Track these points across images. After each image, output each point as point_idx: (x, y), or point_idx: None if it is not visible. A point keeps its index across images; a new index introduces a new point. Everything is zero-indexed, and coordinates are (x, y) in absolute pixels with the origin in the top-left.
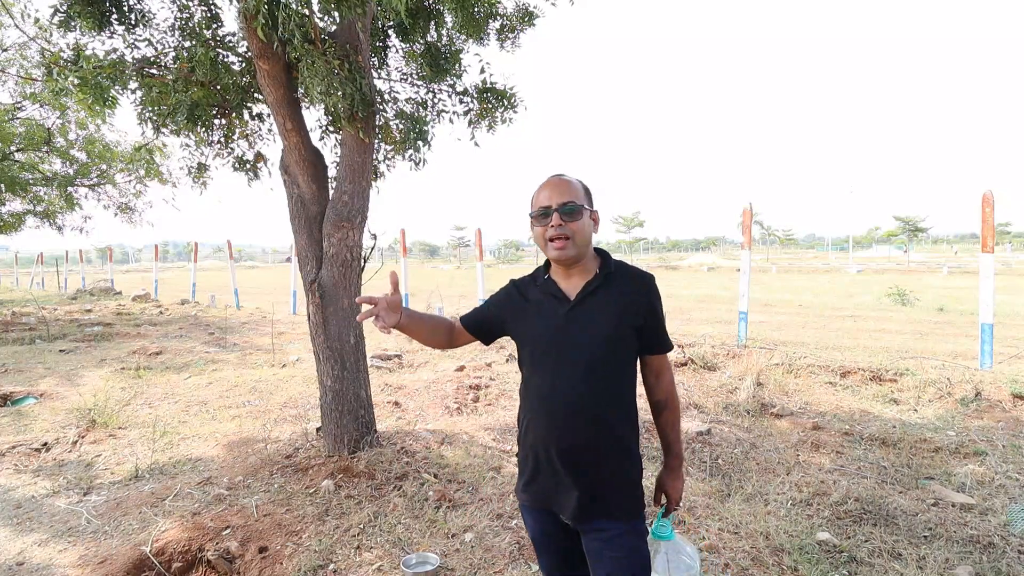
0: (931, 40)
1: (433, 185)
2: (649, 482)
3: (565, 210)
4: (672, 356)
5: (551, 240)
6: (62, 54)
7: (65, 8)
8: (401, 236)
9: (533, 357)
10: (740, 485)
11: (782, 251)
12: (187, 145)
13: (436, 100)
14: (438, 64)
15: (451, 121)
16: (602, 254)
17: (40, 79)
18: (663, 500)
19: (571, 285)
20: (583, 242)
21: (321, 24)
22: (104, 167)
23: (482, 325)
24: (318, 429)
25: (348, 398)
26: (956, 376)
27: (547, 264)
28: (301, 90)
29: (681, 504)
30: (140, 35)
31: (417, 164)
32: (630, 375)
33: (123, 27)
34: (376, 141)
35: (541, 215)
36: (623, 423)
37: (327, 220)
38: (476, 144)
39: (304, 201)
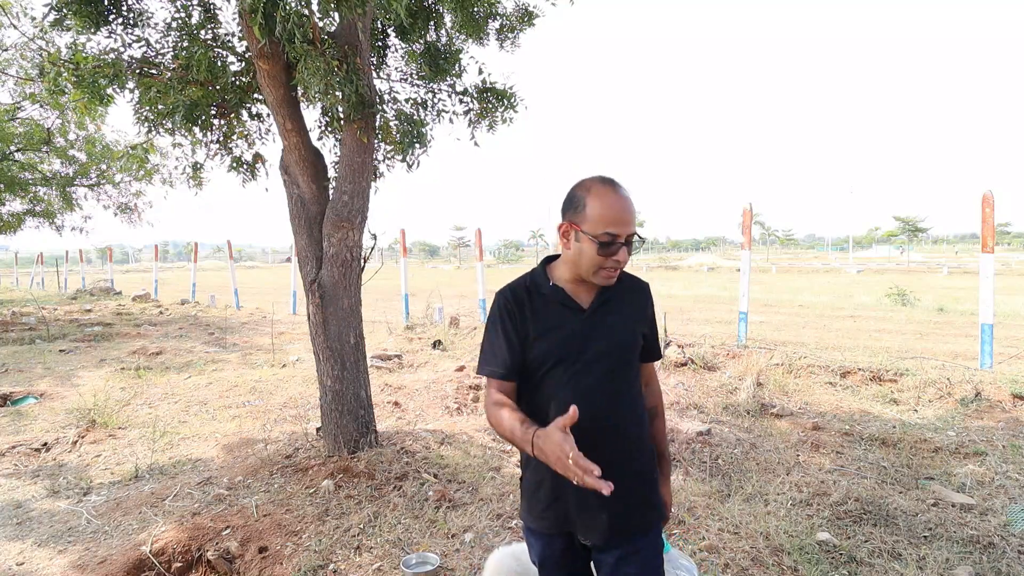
0: (931, 40)
1: (433, 185)
2: None
3: (630, 242)
4: (672, 356)
5: (605, 269)
6: (60, 53)
7: (59, 6)
8: (401, 236)
9: (547, 370)
10: (740, 485)
11: (782, 251)
12: (179, 145)
13: (436, 100)
14: (438, 64)
15: (451, 121)
16: None
17: (38, 79)
18: None
19: (581, 291)
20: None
21: (321, 24)
22: (104, 167)
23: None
24: (318, 429)
25: (348, 398)
26: (956, 376)
27: (543, 266)
28: (300, 89)
29: (674, 509)
30: (138, 35)
31: (411, 166)
32: (639, 383)
33: (122, 27)
34: (376, 141)
35: (608, 244)
36: (644, 433)
37: (327, 220)
38: (476, 144)
39: (304, 201)
